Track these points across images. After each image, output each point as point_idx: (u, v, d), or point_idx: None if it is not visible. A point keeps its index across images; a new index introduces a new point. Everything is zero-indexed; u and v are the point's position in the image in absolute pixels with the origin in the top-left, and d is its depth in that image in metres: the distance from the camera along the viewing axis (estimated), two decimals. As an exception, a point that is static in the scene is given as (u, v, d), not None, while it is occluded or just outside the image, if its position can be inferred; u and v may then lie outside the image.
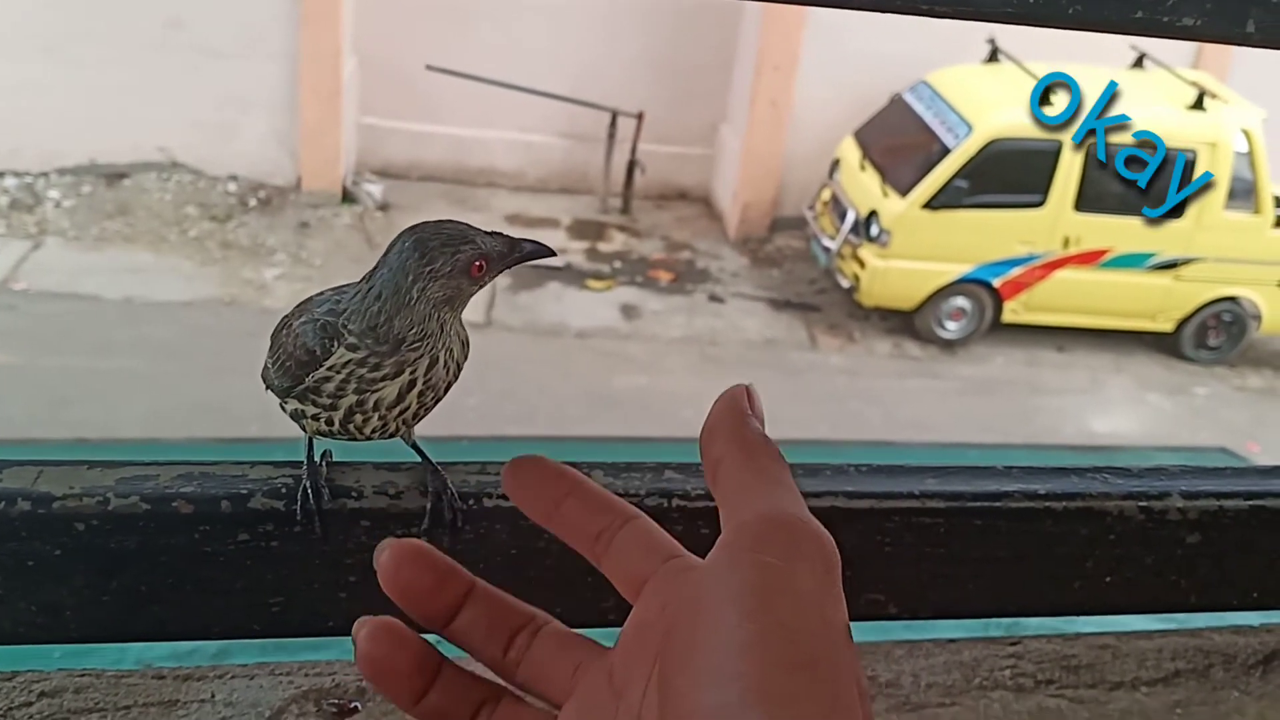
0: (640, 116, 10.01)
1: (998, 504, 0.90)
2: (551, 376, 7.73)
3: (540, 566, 0.85)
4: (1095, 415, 8.80)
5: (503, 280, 9.03)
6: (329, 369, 0.79)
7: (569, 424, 7.30)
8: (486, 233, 0.80)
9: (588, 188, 10.52)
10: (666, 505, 0.85)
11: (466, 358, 0.85)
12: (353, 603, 0.84)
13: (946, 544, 0.90)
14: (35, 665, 1.02)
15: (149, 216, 9.26)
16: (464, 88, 9.68)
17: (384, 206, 9.80)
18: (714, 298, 9.44)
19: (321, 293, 0.84)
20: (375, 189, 9.85)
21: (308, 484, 0.81)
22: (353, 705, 1.01)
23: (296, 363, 0.80)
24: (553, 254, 0.82)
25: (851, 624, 0.92)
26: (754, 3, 9.56)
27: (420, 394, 0.81)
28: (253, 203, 9.61)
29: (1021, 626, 1.17)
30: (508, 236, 0.80)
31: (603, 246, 9.88)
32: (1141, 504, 0.91)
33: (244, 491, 0.80)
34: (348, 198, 9.78)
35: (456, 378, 0.84)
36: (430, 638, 0.58)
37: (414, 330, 0.78)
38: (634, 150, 10.21)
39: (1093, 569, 0.93)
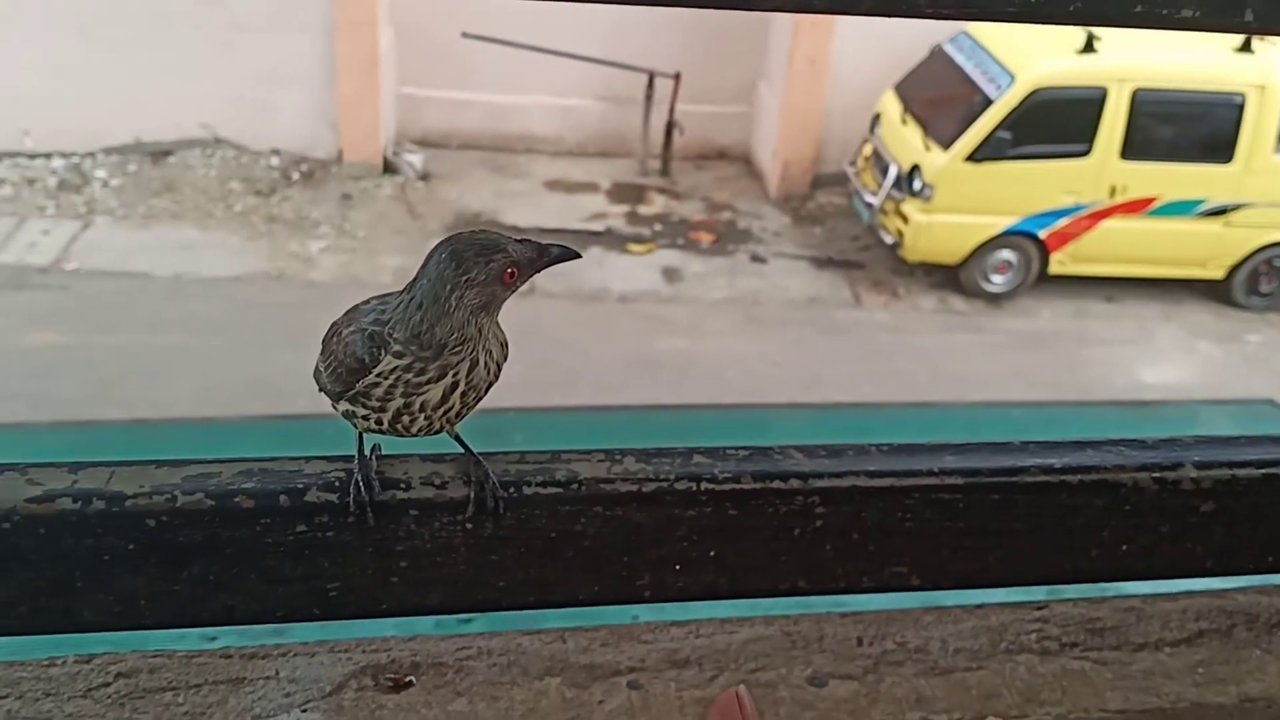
0: (677, 77, 9.98)
1: (1014, 479, 0.93)
2: (594, 342, 7.79)
3: (578, 548, 0.90)
4: (1145, 366, 8.71)
5: (545, 246, 9.08)
6: (377, 375, 0.85)
7: (612, 389, 7.36)
8: (516, 240, 0.85)
9: (626, 150, 10.51)
10: (695, 488, 0.90)
11: (506, 358, 0.90)
12: (404, 586, 0.90)
13: (965, 518, 0.94)
14: (110, 648, 1.09)
15: (194, 193, 9.39)
16: (500, 54, 9.69)
17: (425, 176, 9.87)
18: (756, 258, 9.43)
19: (367, 301, 0.89)
20: (415, 159, 9.91)
21: (359, 477, 0.86)
22: (407, 679, 1.07)
23: (347, 370, 0.86)
24: (578, 255, 0.87)
25: (877, 594, 0.96)
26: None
27: (463, 395, 0.87)
28: (295, 176, 9.71)
29: (1049, 590, 1.20)
30: (535, 243, 0.86)
31: (643, 209, 9.89)
32: (1155, 475, 0.95)
33: (300, 486, 0.86)
34: (389, 168, 9.85)
35: (497, 378, 0.89)
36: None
37: (454, 335, 0.84)
38: (672, 111, 10.18)
39: (1109, 538, 0.96)
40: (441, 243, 0.84)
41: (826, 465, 0.92)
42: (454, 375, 0.86)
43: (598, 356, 7.68)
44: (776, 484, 0.91)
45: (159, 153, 9.66)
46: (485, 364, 0.88)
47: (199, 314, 7.78)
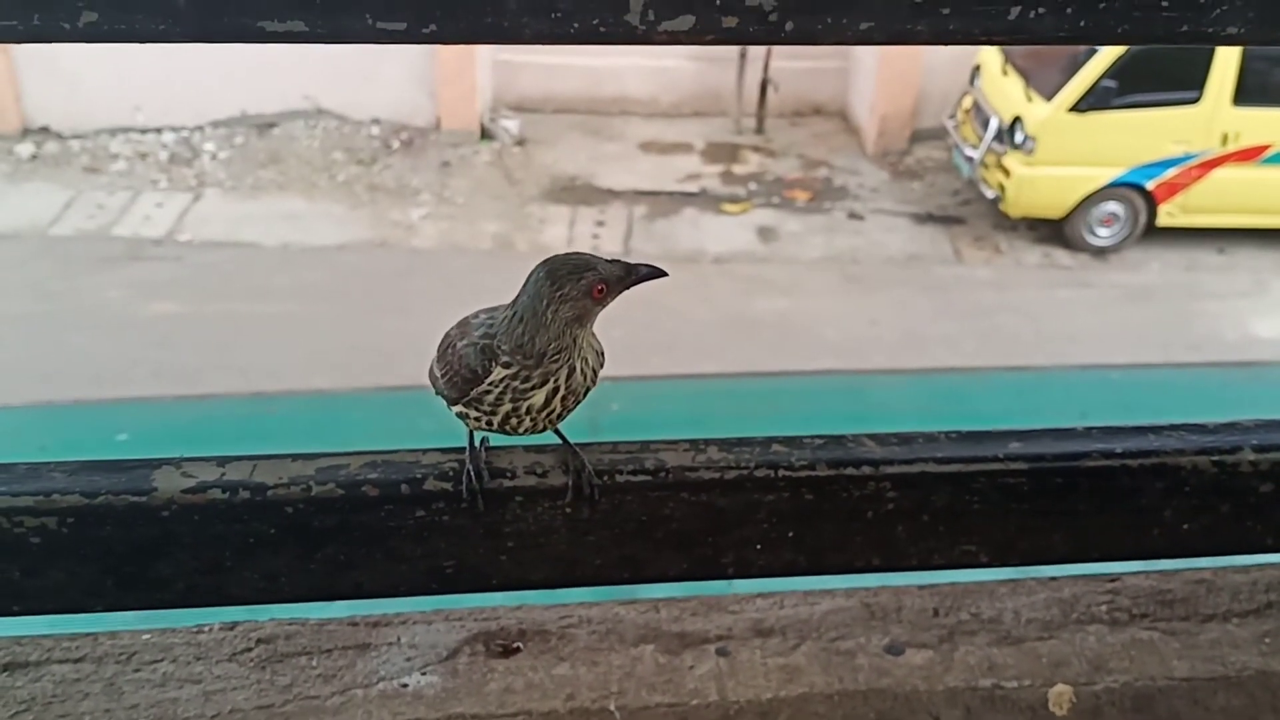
0: (771, 35, 9.92)
1: (1077, 463, 0.99)
2: (691, 303, 7.85)
3: (666, 530, 0.99)
4: (1259, 319, 8.47)
5: (640, 209, 9.16)
6: (488, 385, 0.96)
7: (710, 351, 7.43)
8: (606, 260, 0.94)
9: (721, 109, 10.51)
10: (774, 475, 0.98)
11: (602, 365, 1.01)
12: (512, 564, 1.00)
13: (1030, 500, 1.00)
14: (250, 616, 1.21)
15: (299, 164, 9.67)
16: (594, 17, 9.74)
17: (521, 141, 10.01)
18: (853, 215, 9.38)
19: (476, 314, 1.00)
20: (512, 124, 10.05)
21: (470, 468, 0.97)
22: (515, 645, 1.17)
23: (462, 379, 0.97)
24: (665, 274, 0.96)
25: (947, 570, 1.03)
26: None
27: (564, 399, 0.98)
28: (395, 145, 9.93)
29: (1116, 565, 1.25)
30: (624, 263, 0.95)
31: (737, 169, 9.90)
32: (1214, 458, 1.00)
33: (419, 476, 0.97)
34: (485, 134, 10.01)
35: (595, 383, 1.00)
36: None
37: (552, 346, 0.95)
38: (766, 68, 10.14)
39: (1170, 518, 1.02)
40: (540, 264, 0.94)
41: (897, 452, 0.99)
42: (555, 381, 0.96)
43: (695, 318, 7.75)
44: (849, 470, 0.98)
45: (264, 125, 9.96)
46: (582, 371, 0.98)
47: (306, 282, 8.04)
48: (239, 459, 0.97)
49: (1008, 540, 1.03)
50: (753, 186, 9.65)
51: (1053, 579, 1.25)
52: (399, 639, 1.17)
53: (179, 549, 0.95)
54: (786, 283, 8.44)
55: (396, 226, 8.92)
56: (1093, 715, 1.11)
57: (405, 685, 1.11)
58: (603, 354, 1.02)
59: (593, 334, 0.99)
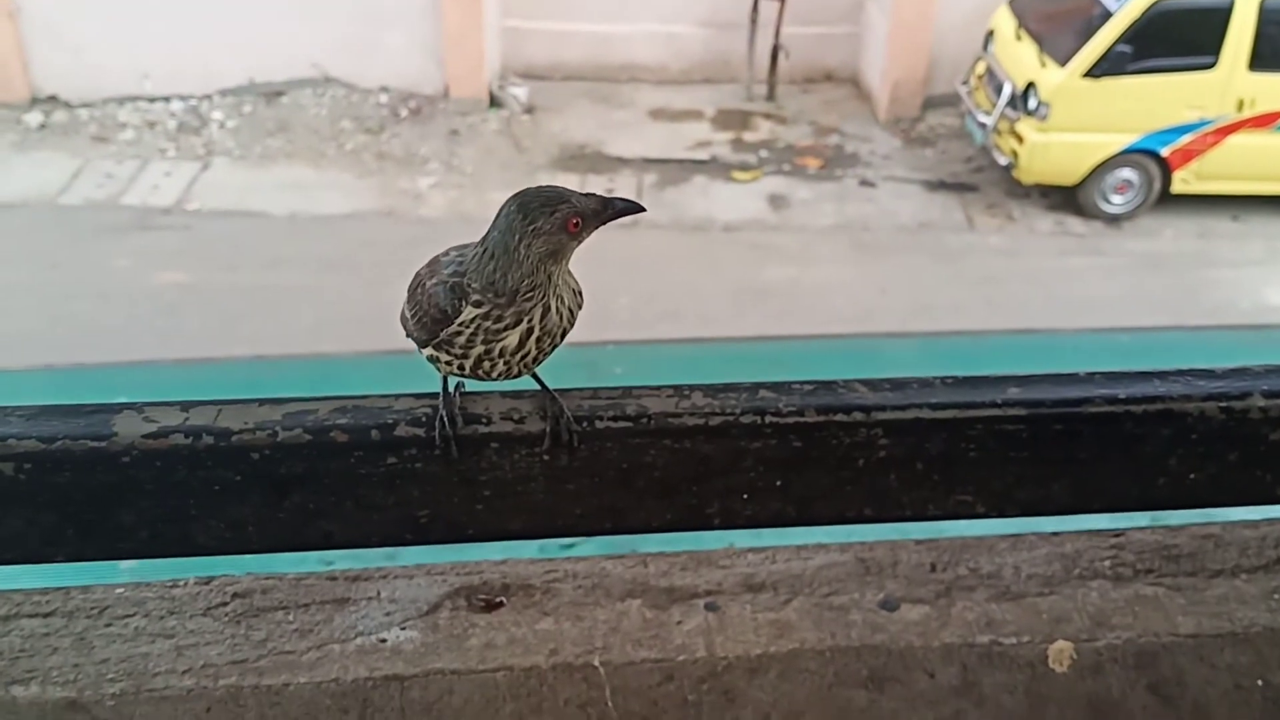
0: (783, -1, 9.82)
1: (1079, 409, 0.95)
2: (699, 272, 7.80)
3: (648, 479, 0.95)
4: (1272, 287, 8.39)
5: (649, 177, 9.09)
6: (459, 325, 0.92)
7: (718, 320, 7.38)
8: (581, 194, 0.90)
9: (731, 76, 10.40)
10: (760, 421, 0.94)
11: (580, 305, 0.96)
12: (488, 513, 0.96)
13: (1029, 447, 0.96)
14: (226, 570, 1.18)
15: (307, 132, 9.61)
16: (603, -18, 9.67)
17: (530, 109, 9.93)
18: (865, 182, 9.29)
19: (447, 252, 0.96)
20: (520, 92, 9.97)
21: (444, 413, 0.93)
22: (498, 600, 1.14)
23: (432, 319, 0.93)
24: (642, 209, 0.92)
25: (943, 521, 0.99)
26: None
27: (539, 340, 0.93)
28: (404, 113, 9.86)
29: (1121, 520, 1.22)
30: (600, 196, 0.91)
31: (748, 136, 9.80)
32: (1222, 404, 0.96)
33: (390, 421, 0.93)
34: (494, 102, 9.93)
35: (572, 324, 0.95)
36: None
37: (526, 282, 0.90)
38: (777, 34, 10.02)
39: (1176, 466, 0.98)
40: (511, 197, 0.90)
41: (890, 398, 0.95)
42: (529, 321, 0.92)
43: (703, 287, 7.69)
44: (840, 417, 0.94)
45: (272, 93, 9.90)
46: (558, 310, 0.93)
47: (315, 251, 8.01)
48: (203, 404, 0.93)
49: (1005, 490, 0.98)
50: (763, 154, 9.56)
51: (1055, 534, 1.21)
52: (379, 593, 1.14)
53: (141, 496, 0.91)
54: (797, 251, 8.37)
55: (404, 195, 8.88)
56: (1094, 672, 1.07)
57: (384, 640, 1.08)
58: (580, 293, 0.97)
59: (569, 272, 0.95)
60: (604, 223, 0.91)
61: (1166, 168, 8.66)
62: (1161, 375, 0.97)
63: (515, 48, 10.26)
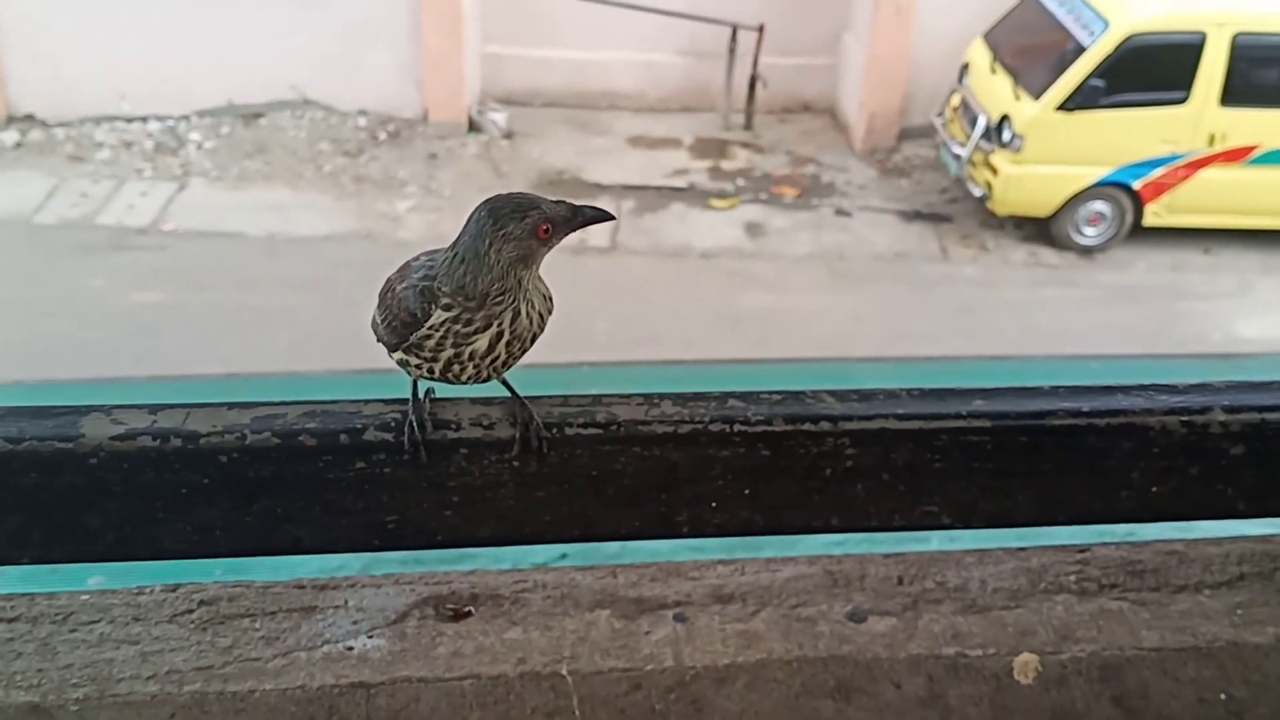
0: (761, 29, 9.89)
1: (1042, 421, 0.96)
2: (677, 298, 7.82)
3: (618, 486, 0.95)
4: (1244, 320, 8.47)
5: (627, 203, 9.12)
6: (429, 329, 0.93)
7: (695, 345, 7.39)
8: (552, 200, 0.91)
9: (709, 105, 10.47)
10: (729, 430, 0.95)
11: (551, 311, 0.97)
12: (457, 519, 0.96)
13: (994, 459, 0.97)
14: (193, 578, 1.18)
15: (285, 154, 9.60)
16: (582, 9, 9.71)
17: (509, 135, 9.95)
18: (841, 212, 9.35)
19: (417, 257, 0.96)
20: (499, 117, 10.00)
21: (413, 418, 0.93)
22: (467, 609, 1.14)
23: (401, 323, 0.94)
24: (612, 217, 0.93)
25: (909, 532, 1.00)
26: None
27: (508, 344, 0.94)
28: (382, 136, 9.87)
29: (1086, 535, 1.23)
30: (570, 203, 0.92)
31: (725, 164, 9.86)
32: (1184, 419, 0.97)
33: (359, 426, 0.93)
34: (473, 127, 9.96)
35: (542, 329, 0.96)
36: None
37: (496, 286, 0.91)
38: (755, 64, 10.10)
39: (1138, 480, 0.99)
40: (481, 203, 0.90)
41: (857, 409, 0.96)
42: (499, 325, 0.92)
43: (680, 313, 7.71)
44: (807, 426, 0.95)
45: (250, 115, 9.89)
46: (528, 314, 0.94)
47: (292, 273, 7.98)
48: (172, 407, 0.93)
49: (970, 501, 0.99)
50: (741, 182, 9.62)
51: (1021, 549, 1.23)
52: (346, 602, 1.13)
53: (108, 499, 0.91)
54: (773, 278, 8.41)
55: (382, 218, 8.87)
56: (1058, 684, 1.08)
57: (351, 648, 1.08)
58: (550, 298, 0.98)
59: (539, 277, 0.96)
60: (574, 229, 0.92)
61: (1139, 201, 8.76)
62: (1124, 389, 0.99)
63: (495, 73, 10.30)
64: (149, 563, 0.99)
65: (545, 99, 10.34)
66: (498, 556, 1.13)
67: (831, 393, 0.98)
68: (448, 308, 0.91)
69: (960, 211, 9.34)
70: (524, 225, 0.90)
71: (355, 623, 1.11)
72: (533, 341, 0.96)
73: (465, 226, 0.91)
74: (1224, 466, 0.99)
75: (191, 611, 1.11)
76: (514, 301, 0.92)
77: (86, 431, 0.90)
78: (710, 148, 10.04)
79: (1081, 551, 1.22)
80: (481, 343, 0.92)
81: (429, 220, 8.87)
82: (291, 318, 7.35)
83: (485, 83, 10.29)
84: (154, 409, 0.92)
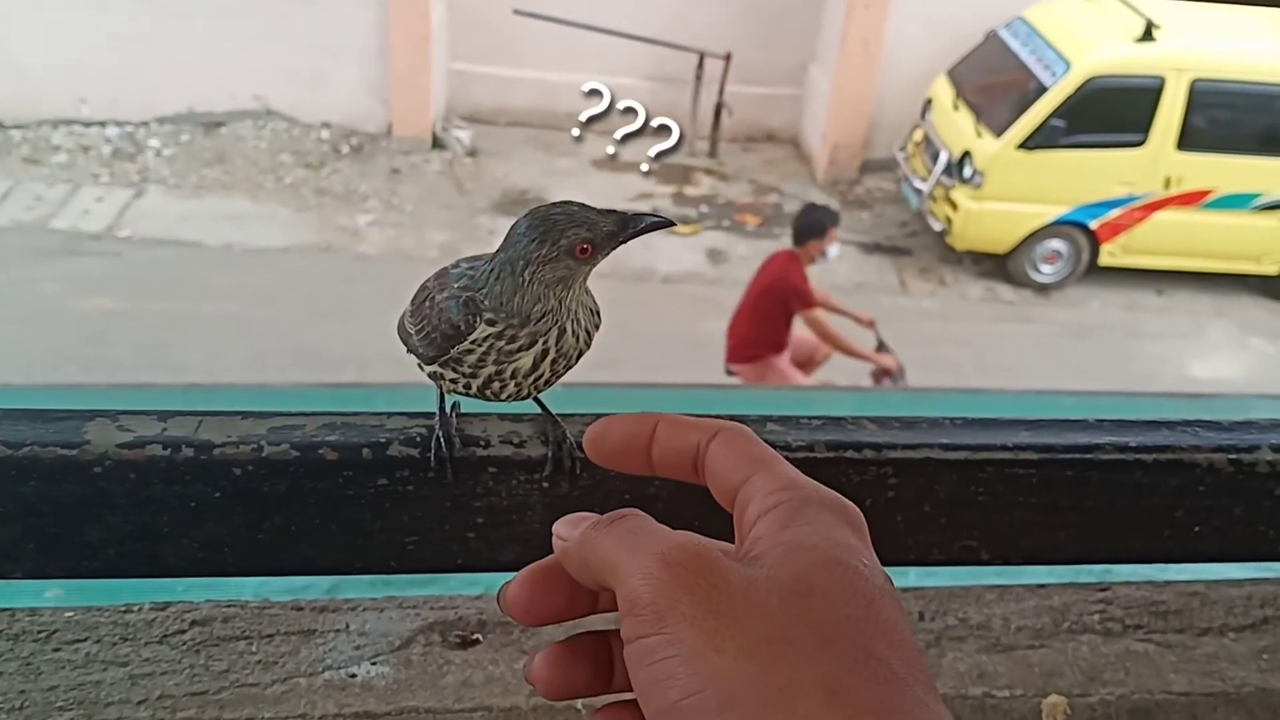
0: (728, 57, 9.94)
1: (1089, 455, 0.93)
2: (639, 322, 7.78)
3: (652, 511, 0.90)
4: (1195, 360, 8.61)
5: (591, 225, 9.09)
6: (471, 343, 0.86)
7: (655, 370, 7.37)
8: (600, 211, 0.85)
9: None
10: (771, 455, 0.90)
11: (598, 326, 0.91)
12: (480, 542, 0.91)
13: (1039, 493, 0.94)
14: (184, 597, 1.11)
15: (246, 164, 9.48)
16: (551, 31, 9.70)
17: (473, 152, 9.90)
18: (802, 241, 9.38)
19: (457, 264, 0.90)
20: (464, 135, 9.95)
21: (440, 433, 0.88)
22: (475, 637, 1.08)
23: (442, 336, 0.87)
24: (671, 224, 0.87)
25: (945, 568, 0.96)
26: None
27: (553, 362, 0.88)
28: (345, 150, 9.78)
29: (1110, 574, 1.20)
30: (621, 214, 0.85)
31: (689, 190, 9.88)
32: (1231, 456, 0.94)
33: (382, 440, 0.87)
34: (437, 144, 9.90)
35: (588, 346, 0.90)
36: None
37: (536, 307, 0.85)
38: (721, 92, 10.14)
39: (1182, 518, 0.96)
40: (525, 214, 0.85)
41: (900, 437, 0.92)
42: (544, 343, 0.87)
43: (642, 337, 7.67)
44: (850, 454, 0.91)
45: (211, 123, 9.76)
46: (574, 332, 0.88)
47: (249, 284, 7.86)
48: (183, 414, 0.87)
49: (1011, 537, 0.96)
50: (704, 209, 9.63)
51: (1041, 586, 1.19)
52: (347, 625, 1.07)
53: (111, 511, 0.85)
54: (735, 305, 8.39)
55: (342, 232, 8.77)
56: (1088, 728, 1.05)
57: (354, 675, 1.02)
58: (598, 312, 0.93)
59: (586, 290, 0.90)
60: (625, 242, 0.86)
61: (1095, 240, 8.88)
62: (1170, 425, 0.96)
63: (461, 91, 10.25)
64: (108, 580, 0.92)
65: (511, 118, 10.31)
66: (499, 579, 1.07)
67: (872, 420, 0.94)
68: (491, 323, 0.86)
69: (919, 245, 9.42)
70: (559, 246, 0.83)
71: (358, 648, 1.05)
72: (578, 358, 0.90)
73: (505, 239, 0.86)
74: (1268, 507, 0.96)
75: (184, 632, 1.04)
76: (558, 320, 0.86)
77: (92, 438, 0.84)
78: (674, 173, 10.05)
79: (1103, 590, 1.19)
80: (526, 361, 0.87)
81: (389, 235, 8.78)
82: (247, 329, 7.24)
83: (451, 100, 10.24)
84: (163, 416, 0.86)
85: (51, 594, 1.45)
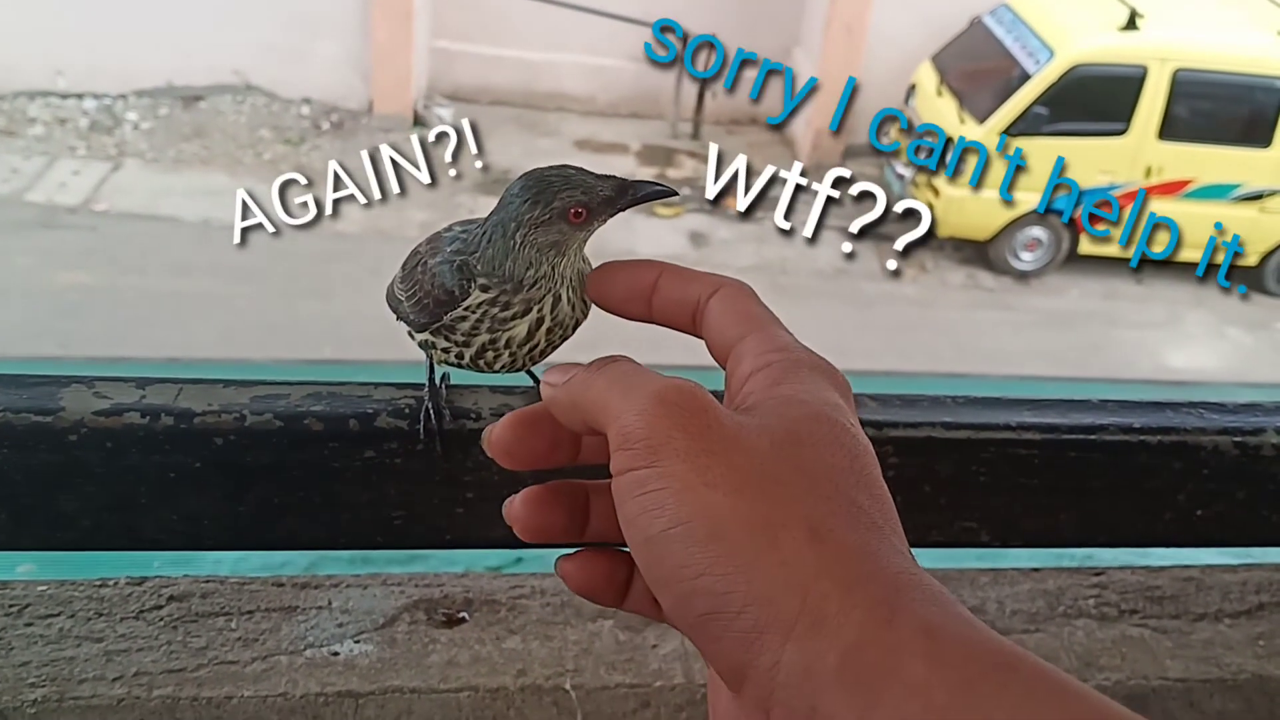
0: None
1: (1093, 436, 0.91)
2: (621, 303, 7.76)
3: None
4: (1173, 349, 8.64)
5: (572, 206, 9.04)
6: (465, 309, 0.82)
7: (635, 352, 7.32)
8: (598, 176, 0.81)
9: (658, 112, 10.43)
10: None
11: None
12: (469, 518, 0.88)
13: (1041, 475, 0.92)
14: (161, 572, 1.08)
15: (224, 139, 9.37)
16: (535, 10, 9.62)
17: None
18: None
19: (450, 228, 0.87)
20: (446, 113, 9.86)
21: (430, 405, 0.84)
22: (460, 615, 1.06)
23: (435, 301, 0.83)
24: (674, 193, 0.83)
25: (944, 550, 0.94)
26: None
27: (549, 331, 0.84)
28: (325, 126, 9.68)
29: (1095, 558, 1.19)
30: (619, 180, 0.81)
31: (672, 173, 9.83)
32: (1236, 439, 0.92)
33: (370, 411, 0.84)
34: (419, 121, 9.81)
35: (585, 315, 0.86)
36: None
37: (529, 273, 0.81)
38: (705, 75, 10.09)
39: (1184, 502, 0.94)
40: (520, 176, 0.81)
41: (901, 415, 0.90)
42: (539, 310, 0.83)
43: (621, 319, 7.64)
44: (850, 431, 0.88)
45: (190, 97, 9.64)
46: (569, 299, 0.84)
47: (226, 259, 7.76)
48: (162, 381, 0.84)
49: (1012, 519, 0.94)
50: (686, 191, 9.59)
51: (1035, 570, 1.18)
52: (330, 603, 1.04)
53: (86, 481, 0.81)
54: (716, 288, 8.40)
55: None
56: (1084, 713, 1.03)
57: (336, 653, 0.99)
58: None
59: (585, 260, 0.86)
60: (622, 210, 0.82)
61: (1075, 228, 8.89)
62: (1174, 406, 0.94)
63: (444, 68, 10.16)
64: (83, 554, 0.89)
65: (493, 97, 10.23)
66: (481, 559, 1.05)
67: (872, 397, 0.92)
68: (485, 288, 0.82)
69: (901, 231, 9.41)
70: (552, 209, 0.79)
71: (340, 625, 1.02)
72: (575, 328, 0.87)
73: (500, 200, 0.82)
74: (1270, 491, 0.95)
75: (160, 608, 1.01)
76: (552, 287, 0.83)
77: (67, 405, 0.80)
78: (657, 155, 10.01)
79: (1097, 575, 1.17)
80: (520, 329, 0.83)
81: (369, 214, 8.70)
82: (224, 305, 7.17)
83: (433, 77, 10.15)
84: (142, 383, 0.83)
85: (24, 569, 1.42)
